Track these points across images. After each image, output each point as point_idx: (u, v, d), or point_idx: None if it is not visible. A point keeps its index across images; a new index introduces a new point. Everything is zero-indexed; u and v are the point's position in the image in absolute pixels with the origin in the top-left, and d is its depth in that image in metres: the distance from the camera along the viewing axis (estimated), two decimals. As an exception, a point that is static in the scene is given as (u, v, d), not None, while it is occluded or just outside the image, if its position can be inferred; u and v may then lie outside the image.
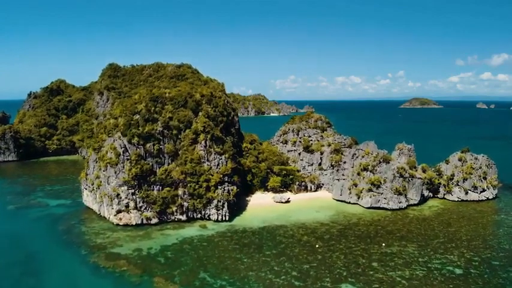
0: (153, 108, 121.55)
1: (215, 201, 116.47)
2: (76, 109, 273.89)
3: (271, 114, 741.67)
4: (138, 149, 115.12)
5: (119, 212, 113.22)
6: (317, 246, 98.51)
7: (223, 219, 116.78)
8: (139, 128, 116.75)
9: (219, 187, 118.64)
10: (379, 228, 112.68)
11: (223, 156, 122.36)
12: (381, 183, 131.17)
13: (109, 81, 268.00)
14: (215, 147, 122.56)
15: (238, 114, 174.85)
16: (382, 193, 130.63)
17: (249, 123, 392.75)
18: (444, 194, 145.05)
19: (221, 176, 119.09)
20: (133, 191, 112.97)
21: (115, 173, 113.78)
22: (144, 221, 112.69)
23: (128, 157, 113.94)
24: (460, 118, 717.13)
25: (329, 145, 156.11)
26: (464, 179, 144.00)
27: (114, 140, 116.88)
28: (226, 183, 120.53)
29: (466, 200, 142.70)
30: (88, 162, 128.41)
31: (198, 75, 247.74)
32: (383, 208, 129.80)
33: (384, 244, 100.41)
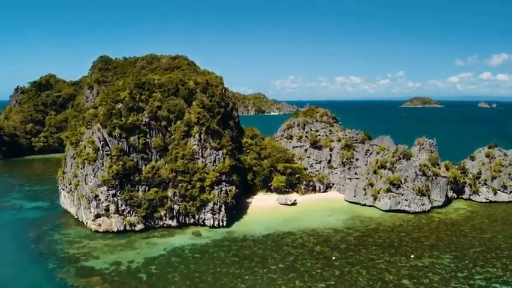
0: (138, 96, 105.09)
1: (211, 204, 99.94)
2: (66, 105, 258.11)
3: (272, 113, 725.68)
4: (120, 143, 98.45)
5: (97, 216, 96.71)
6: (333, 258, 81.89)
7: (220, 224, 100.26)
8: (122, 119, 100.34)
9: (216, 187, 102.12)
10: (403, 235, 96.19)
11: (220, 152, 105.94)
12: (401, 182, 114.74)
13: (99, 74, 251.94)
14: (211, 141, 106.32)
15: (238, 113, 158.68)
16: (402, 194, 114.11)
17: (249, 122, 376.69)
18: (470, 195, 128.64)
19: (218, 174, 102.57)
20: (114, 192, 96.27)
21: (93, 170, 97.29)
22: (127, 227, 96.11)
23: (108, 152, 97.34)
24: (464, 117, 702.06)
25: (339, 140, 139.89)
26: (493, 178, 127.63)
27: (92, 133, 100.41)
28: (224, 183, 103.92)
29: (495, 201, 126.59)
30: (65, 158, 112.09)
31: (195, 67, 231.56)
32: (403, 211, 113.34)
33: (412, 255, 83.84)
